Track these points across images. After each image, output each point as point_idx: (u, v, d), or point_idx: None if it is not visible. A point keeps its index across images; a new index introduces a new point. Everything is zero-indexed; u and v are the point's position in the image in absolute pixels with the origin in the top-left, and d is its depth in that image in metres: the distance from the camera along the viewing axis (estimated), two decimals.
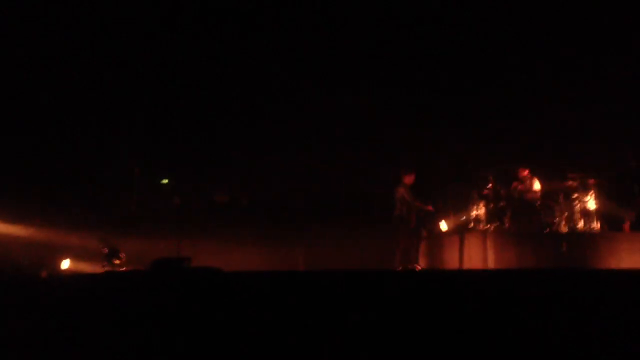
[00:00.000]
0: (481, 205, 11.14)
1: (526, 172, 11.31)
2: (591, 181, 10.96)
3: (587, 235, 10.66)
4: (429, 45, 13.11)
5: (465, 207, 11.29)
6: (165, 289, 7.12)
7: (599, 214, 10.93)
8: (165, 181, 14.27)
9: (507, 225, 10.89)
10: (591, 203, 10.91)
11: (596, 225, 10.84)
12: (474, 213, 11.20)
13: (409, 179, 10.73)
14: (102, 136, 13.98)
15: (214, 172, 14.08)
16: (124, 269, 11.29)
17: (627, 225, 11.14)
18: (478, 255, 10.51)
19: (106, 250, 11.44)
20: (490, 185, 11.18)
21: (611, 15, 12.22)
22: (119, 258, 11.38)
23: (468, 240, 10.74)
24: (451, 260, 10.87)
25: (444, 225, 11.79)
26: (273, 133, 14.03)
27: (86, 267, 12.04)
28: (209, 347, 5.71)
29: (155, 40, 13.53)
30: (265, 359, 5.48)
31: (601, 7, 12.17)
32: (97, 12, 13.04)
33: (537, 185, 11.24)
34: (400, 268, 10.29)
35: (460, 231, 10.99)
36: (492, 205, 11.04)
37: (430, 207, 10.80)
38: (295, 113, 13.70)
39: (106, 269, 11.20)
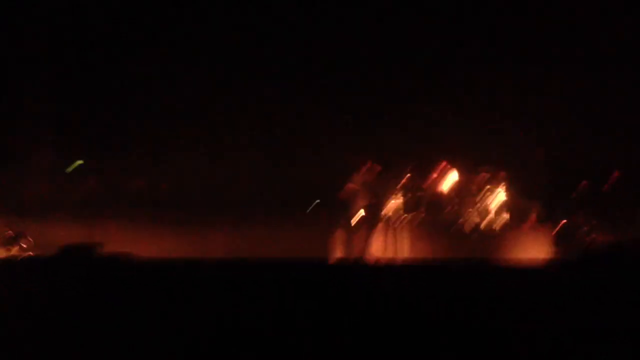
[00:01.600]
0: (399, 195, 11.35)
1: (444, 164, 11.60)
2: (502, 175, 11.40)
3: (497, 227, 11.13)
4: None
5: (383, 196, 11.46)
6: (72, 276, 6.87)
7: (508, 206, 11.41)
8: (79, 162, 13.69)
9: (422, 215, 11.17)
10: (501, 196, 11.37)
11: (505, 217, 11.32)
12: (391, 203, 11.40)
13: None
14: (15, 114, 13.24)
15: (133, 156, 13.64)
16: (29, 253, 10.77)
17: (533, 218, 11.68)
18: (393, 245, 10.76)
19: (11, 234, 10.85)
20: (408, 175, 11.41)
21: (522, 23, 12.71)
22: (25, 242, 10.83)
23: (382, 230, 10.97)
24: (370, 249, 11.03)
25: (361, 214, 11.95)
26: (199, 118, 13.73)
27: None
28: (117, 337, 5.55)
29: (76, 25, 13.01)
30: (174, 347, 5.39)
31: (510, 19, 12.65)
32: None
33: (454, 177, 11.57)
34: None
35: (385, 221, 11.15)
36: (409, 196, 11.28)
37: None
38: (226, 103, 13.48)
39: (10, 253, 10.64)
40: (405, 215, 11.18)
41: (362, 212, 11.71)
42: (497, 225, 11.19)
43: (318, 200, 13.69)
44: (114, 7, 12.69)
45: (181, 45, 12.88)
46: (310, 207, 12.42)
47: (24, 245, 10.89)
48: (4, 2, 12.34)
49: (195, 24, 12.79)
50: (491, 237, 10.89)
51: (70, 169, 13.17)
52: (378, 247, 10.94)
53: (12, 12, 12.51)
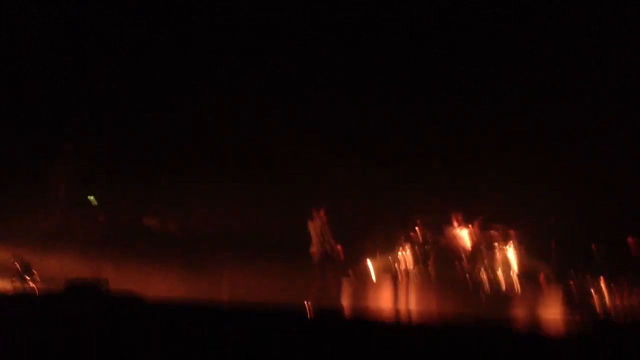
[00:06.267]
0: (407, 248, 11.32)
1: (459, 219, 11.58)
2: (512, 232, 11.35)
3: (506, 286, 11.02)
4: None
5: (391, 249, 11.43)
6: (76, 312, 6.81)
7: (518, 265, 11.31)
8: (92, 198, 13.77)
9: (430, 270, 11.10)
10: (511, 254, 11.29)
11: (514, 276, 11.21)
12: (399, 255, 11.36)
13: (324, 216, 10.79)
14: (25, 144, 13.38)
15: (145, 193, 13.70)
16: (35, 287, 10.72)
17: (542, 279, 11.55)
18: (400, 299, 10.67)
19: (18, 266, 10.83)
20: (417, 229, 11.40)
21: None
22: (31, 275, 10.79)
23: (391, 283, 10.88)
24: (377, 302, 10.92)
25: (370, 266, 11.87)
26: (209, 159, 13.86)
27: None
28: None
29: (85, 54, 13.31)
30: None
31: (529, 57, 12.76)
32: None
33: (464, 232, 11.54)
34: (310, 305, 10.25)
35: (388, 273, 11.08)
36: (417, 249, 11.25)
37: (339, 247, 10.89)
38: (232, 142, 13.63)
39: (16, 286, 10.59)
40: (413, 268, 11.11)
41: (370, 263, 11.64)
42: (505, 285, 11.08)
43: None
44: None
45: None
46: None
47: (29, 279, 10.83)
48: None
49: None
50: (499, 296, 10.78)
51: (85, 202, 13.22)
52: (384, 300, 10.82)
53: None
